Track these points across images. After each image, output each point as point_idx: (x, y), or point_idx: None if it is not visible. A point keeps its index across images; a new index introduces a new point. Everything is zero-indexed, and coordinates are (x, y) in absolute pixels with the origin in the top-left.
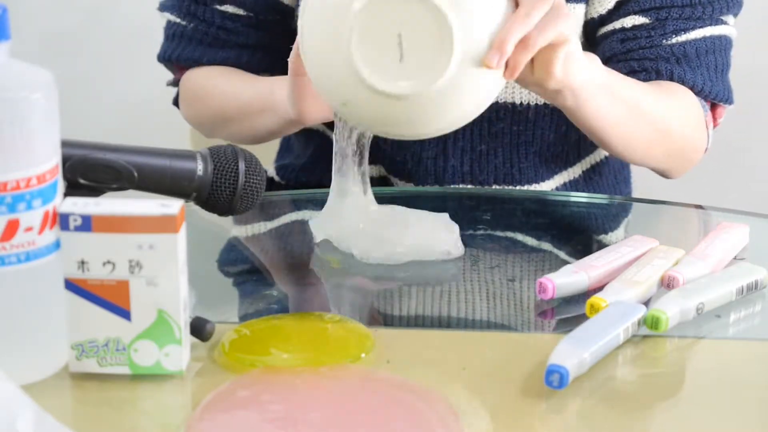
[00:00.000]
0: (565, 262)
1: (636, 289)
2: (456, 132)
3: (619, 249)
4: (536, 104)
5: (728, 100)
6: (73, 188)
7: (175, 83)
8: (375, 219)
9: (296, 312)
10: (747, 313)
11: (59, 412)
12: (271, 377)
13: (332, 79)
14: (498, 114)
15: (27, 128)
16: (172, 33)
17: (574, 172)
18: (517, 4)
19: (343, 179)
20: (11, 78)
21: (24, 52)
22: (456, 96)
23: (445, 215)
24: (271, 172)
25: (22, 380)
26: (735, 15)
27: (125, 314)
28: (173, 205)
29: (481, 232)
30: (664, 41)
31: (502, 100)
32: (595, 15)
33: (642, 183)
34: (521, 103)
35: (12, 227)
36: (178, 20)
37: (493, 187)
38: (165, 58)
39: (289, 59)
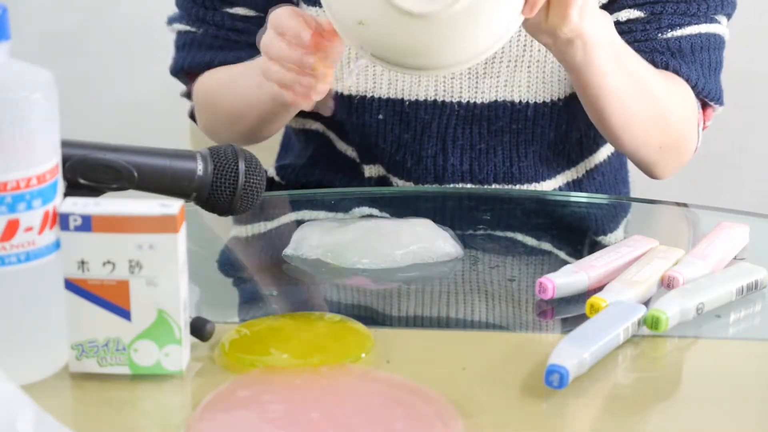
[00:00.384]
0: (565, 262)
1: (636, 289)
2: (455, 130)
3: (619, 249)
4: (535, 102)
5: (719, 100)
6: (73, 188)
7: (188, 95)
8: (364, 233)
9: (296, 312)
10: (747, 313)
11: (59, 412)
12: (271, 377)
13: None
14: (497, 112)
15: (27, 128)
16: (182, 43)
17: (575, 172)
18: None
19: None
20: (11, 78)
21: (24, 52)
22: (474, 23)
23: (428, 221)
24: (271, 172)
25: (22, 380)
26: (728, 16)
27: (125, 314)
28: (173, 205)
29: (481, 232)
30: (659, 35)
31: (501, 99)
32: None
33: (641, 183)
34: (520, 102)
35: (12, 227)
36: (187, 28)
37: (493, 186)
38: (177, 68)
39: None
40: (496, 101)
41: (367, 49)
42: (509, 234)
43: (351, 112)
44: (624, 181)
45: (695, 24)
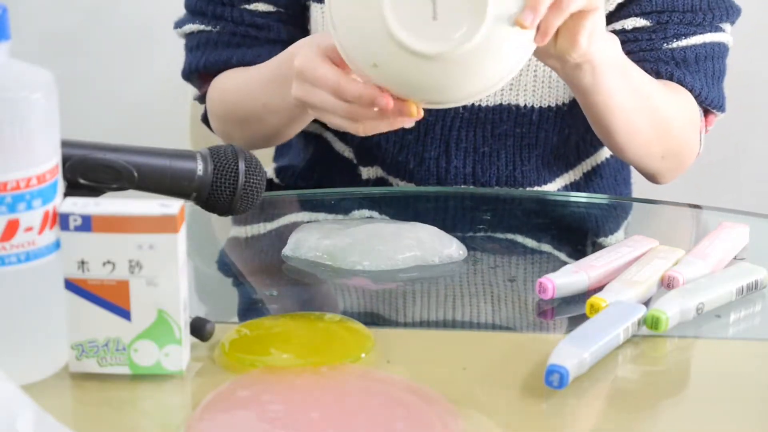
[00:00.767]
0: (565, 263)
1: (636, 289)
2: (459, 133)
3: (619, 249)
4: (540, 107)
5: (721, 108)
6: (73, 188)
7: (202, 99)
8: (364, 236)
9: (296, 312)
10: (747, 313)
11: (59, 412)
12: (271, 377)
13: (363, 39)
14: (501, 116)
15: (27, 128)
16: (196, 43)
17: (574, 174)
18: None
19: None
20: (11, 78)
21: (24, 52)
22: (487, 59)
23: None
24: (270, 173)
25: (22, 380)
26: (732, 23)
27: (125, 314)
28: (173, 205)
29: (482, 233)
30: (664, 45)
31: (506, 102)
32: None
33: (642, 184)
34: (525, 106)
35: (12, 227)
36: (202, 27)
37: (495, 188)
38: (192, 69)
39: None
40: (500, 104)
41: (387, 90)
42: (509, 234)
43: None
44: (626, 181)
45: (700, 33)
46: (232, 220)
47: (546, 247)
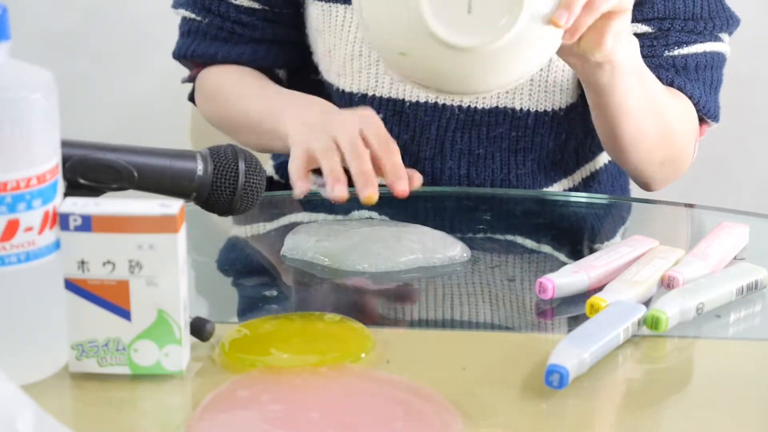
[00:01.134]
0: (565, 263)
1: (636, 289)
2: (454, 134)
3: (619, 249)
4: (536, 111)
5: (716, 118)
6: (73, 188)
7: (191, 79)
8: (365, 238)
9: (296, 312)
10: (747, 313)
11: (59, 412)
12: (271, 377)
13: (393, 26)
14: (497, 119)
15: (27, 128)
16: (187, 29)
17: (573, 179)
18: None
19: None
20: (11, 78)
21: (24, 52)
22: (516, 54)
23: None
24: (270, 170)
25: (22, 380)
26: (730, 34)
27: (125, 314)
28: (173, 205)
29: (481, 233)
30: (666, 52)
31: (502, 105)
32: None
33: (639, 189)
34: (521, 109)
35: (12, 227)
36: (192, 16)
37: (495, 189)
38: (180, 54)
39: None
40: (497, 107)
41: (408, 77)
42: (509, 234)
43: None
44: (623, 188)
45: (701, 42)
46: (232, 220)
47: (546, 248)
